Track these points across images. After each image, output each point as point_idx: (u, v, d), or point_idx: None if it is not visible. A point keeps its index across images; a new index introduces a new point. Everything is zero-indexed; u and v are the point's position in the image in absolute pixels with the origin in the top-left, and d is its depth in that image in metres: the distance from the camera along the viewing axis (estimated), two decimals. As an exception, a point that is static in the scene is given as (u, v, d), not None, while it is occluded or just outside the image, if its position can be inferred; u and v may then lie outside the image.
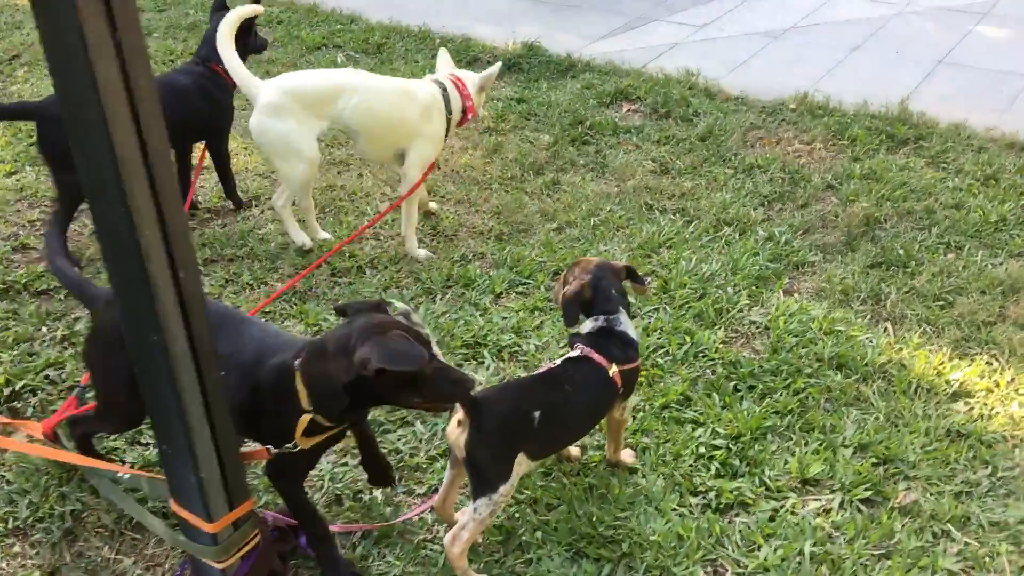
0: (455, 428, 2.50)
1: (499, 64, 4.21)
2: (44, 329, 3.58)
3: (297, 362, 2.39)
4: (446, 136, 4.10)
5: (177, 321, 2.16)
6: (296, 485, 2.58)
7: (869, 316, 3.65)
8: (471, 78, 4.18)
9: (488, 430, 2.44)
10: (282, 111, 3.84)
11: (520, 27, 6.94)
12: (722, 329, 3.56)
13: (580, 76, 6.03)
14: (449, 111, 4.05)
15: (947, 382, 3.27)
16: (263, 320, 2.74)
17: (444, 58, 4.30)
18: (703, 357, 3.40)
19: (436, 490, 2.84)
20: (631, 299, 2.89)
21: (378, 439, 3.07)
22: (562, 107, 5.51)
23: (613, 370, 2.63)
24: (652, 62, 6.29)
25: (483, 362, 3.40)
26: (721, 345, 3.47)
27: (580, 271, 2.79)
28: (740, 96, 5.68)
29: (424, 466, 2.98)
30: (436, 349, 2.41)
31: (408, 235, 4.14)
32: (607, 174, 4.81)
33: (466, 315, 3.66)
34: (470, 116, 4.14)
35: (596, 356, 2.64)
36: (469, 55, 6.44)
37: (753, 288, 3.80)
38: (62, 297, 3.79)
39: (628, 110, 5.60)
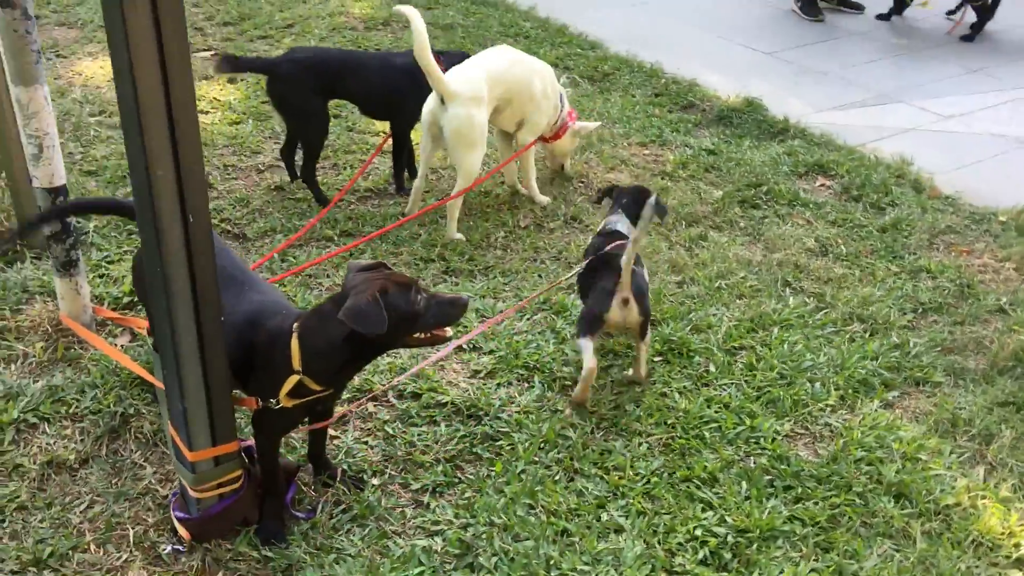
0: (620, 308, 3.22)
1: (598, 124, 5.13)
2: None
3: (295, 325, 2.56)
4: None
5: (181, 260, 2.37)
6: (270, 441, 2.74)
7: (968, 455, 3.28)
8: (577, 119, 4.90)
9: (640, 295, 3.26)
10: (481, 101, 4.15)
11: (752, 82, 6.78)
12: (791, 423, 3.34)
13: (788, 142, 5.81)
14: (559, 108, 4.70)
15: (1016, 545, 2.88)
16: (270, 285, 2.92)
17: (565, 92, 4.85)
18: (753, 443, 3.21)
19: (430, 489, 2.91)
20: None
21: (401, 430, 3.18)
22: (750, 167, 5.34)
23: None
24: (873, 143, 5.93)
25: (532, 386, 3.41)
26: (780, 438, 3.25)
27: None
28: (951, 196, 5.23)
29: (427, 465, 3.04)
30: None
31: (531, 187, 4.85)
32: (759, 241, 4.63)
33: (541, 339, 3.69)
34: (560, 133, 4.77)
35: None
36: (686, 99, 6.39)
37: (850, 391, 3.53)
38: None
39: (820, 184, 5.33)
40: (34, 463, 2.97)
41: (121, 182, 4.66)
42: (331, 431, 3.18)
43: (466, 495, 2.92)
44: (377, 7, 7.79)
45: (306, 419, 2.80)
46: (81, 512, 2.83)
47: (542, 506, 2.87)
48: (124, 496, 2.89)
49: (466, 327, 3.65)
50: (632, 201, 3.68)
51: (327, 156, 5.13)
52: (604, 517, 2.86)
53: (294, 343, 2.55)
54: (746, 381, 3.53)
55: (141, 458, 3.05)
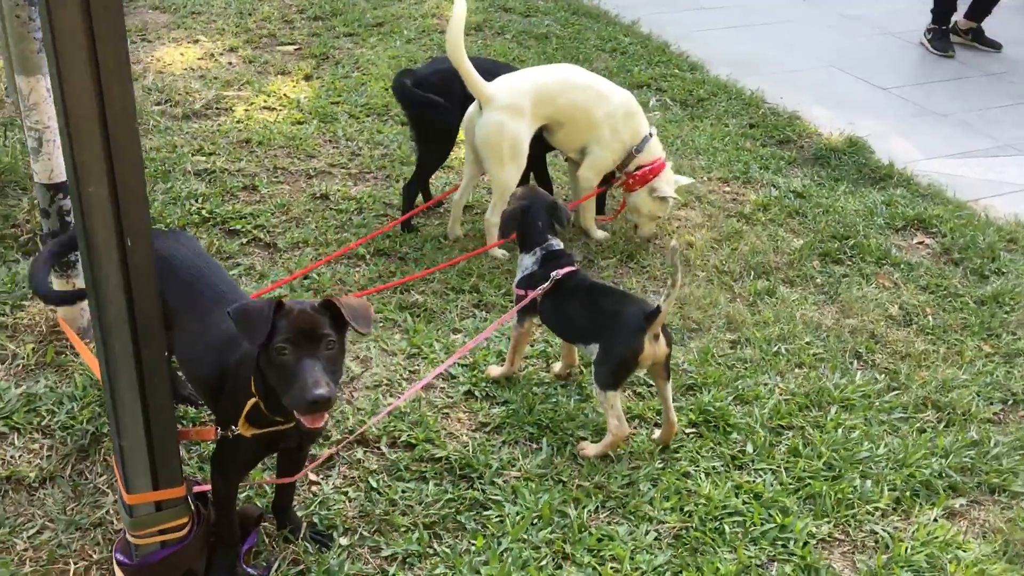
0: (652, 344, 2.92)
1: (689, 180, 4.58)
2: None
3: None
4: (617, 172, 4.34)
5: (118, 289, 2.12)
6: (227, 481, 2.49)
7: (1041, 588, 2.78)
8: (668, 173, 4.36)
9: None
10: (520, 112, 3.85)
11: (861, 120, 6.24)
12: (830, 525, 2.90)
13: (889, 190, 5.27)
14: (636, 151, 4.25)
15: None
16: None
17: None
18: (781, 546, 2.78)
19: (400, 558, 2.62)
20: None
21: (385, 484, 2.88)
22: (839, 216, 4.84)
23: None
24: (987, 199, 5.34)
25: (539, 448, 3.07)
26: (815, 543, 2.82)
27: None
28: (1069, 270, 4.63)
29: (404, 529, 2.73)
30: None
31: (588, 221, 4.50)
32: (835, 302, 4.14)
33: (562, 394, 3.34)
34: (634, 182, 4.29)
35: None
36: (783, 133, 5.90)
37: (908, 493, 3.05)
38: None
39: (918, 242, 4.79)
40: (-8, 477, 2.79)
41: (163, 177, 4.52)
42: (312, 475, 2.91)
43: (436, 571, 2.60)
44: (473, 11, 7.53)
45: (271, 469, 2.54)
46: (28, 538, 2.63)
47: None
48: (76, 525, 2.68)
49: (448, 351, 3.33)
50: (544, 214, 3.31)
51: (395, 167, 4.89)
52: (588, 618, 2.49)
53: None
54: (786, 468, 3.09)
55: (105, 483, 2.84)
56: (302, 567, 2.59)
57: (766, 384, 3.50)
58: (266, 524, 2.71)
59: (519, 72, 4.16)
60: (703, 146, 5.58)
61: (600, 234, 4.47)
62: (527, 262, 3.32)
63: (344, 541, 2.69)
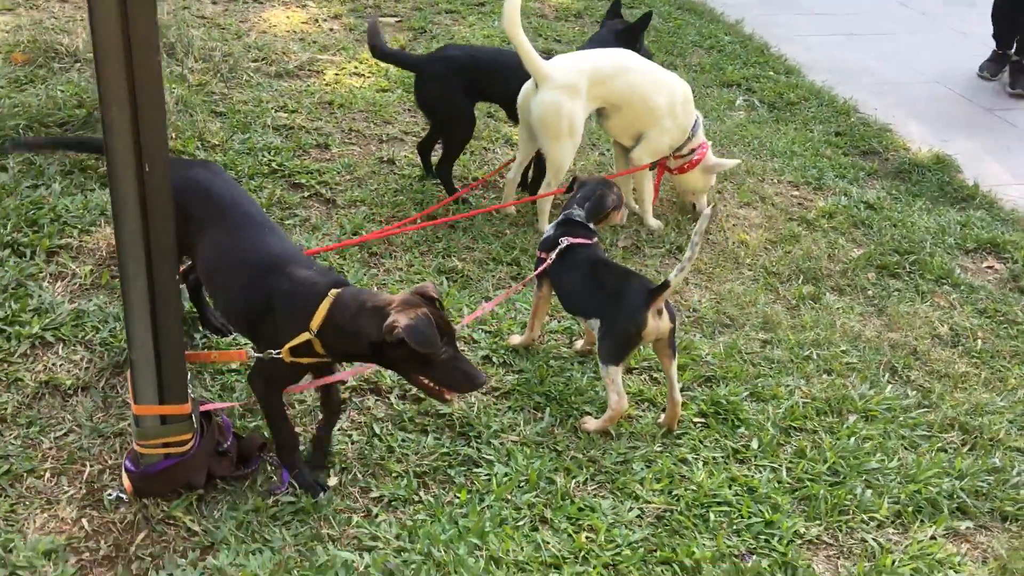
0: (655, 318, 2.94)
1: (736, 162, 4.64)
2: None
3: (335, 290, 2.56)
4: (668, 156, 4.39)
5: (134, 207, 2.30)
6: (274, 392, 2.70)
7: (1032, 621, 2.70)
8: (711, 153, 4.45)
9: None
10: (576, 92, 3.92)
11: (956, 138, 6.03)
12: (820, 527, 2.88)
13: (968, 211, 5.10)
14: (690, 135, 4.32)
15: None
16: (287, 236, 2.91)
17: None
18: (763, 541, 2.79)
19: (386, 500, 2.74)
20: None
21: (388, 432, 3.01)
22: (906, 231, 4.73)
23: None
24: (1073, 231, 5.10)
25: (542, 417, 3.14)
26: (800, 543, 2.81)
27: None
28: None
29: (395, 475, 2.85)
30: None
31: (645, 208, 4.52)
32: (881, 316, 4.06)
33: (578, 369, 3.40)
34: (688, 166, 4.37)
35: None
36: (869, 144, 5.77)
37: (910, 509, 2.98)
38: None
39: (987, 266, 4.63)
40: (34, 380, 3.02)
41: (243, 128, 4.75)
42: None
43: (418, 516, 2.71)
44: (576, -2, 7.59)
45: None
46: (55, 439, 2.85)
47: (488, 550, 2.60)
48: (99, 432, 2.89)
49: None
50: (589, 193, 3.42)
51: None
52: (551, 580, 2.56)
53: (324, 305, 2.54)
54: (788, 468, 3.08)
55: (134, 398, 3.04)
56: (292, 497, 2.73)
57: (787, 385, 3.48)
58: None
59: (576, 52, 4.22)
60: (781, 149, 5.51)
61: (655, 223, 4.49)
62: (549, 226, 3.41)
63: (334, 481, 2.81)
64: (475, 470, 2.90)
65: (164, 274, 2.39)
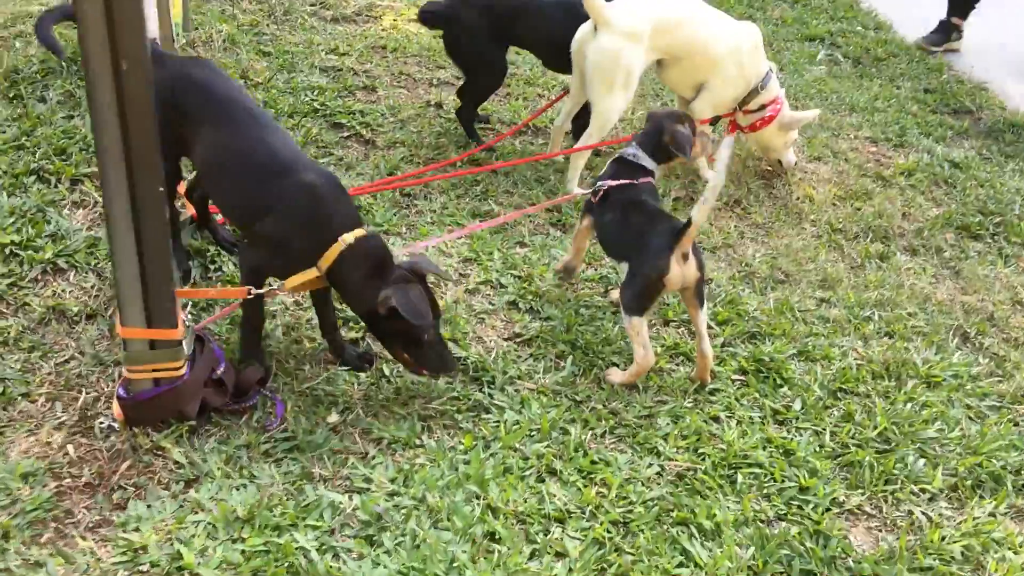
0: (680, 265, 2.69)
1: (815, 112, 4.12)
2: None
3: (351, 236, 2.53)
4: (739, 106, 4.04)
5: (112, 113, 2.16)
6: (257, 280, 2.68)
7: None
8: (787, 108, 4.05)
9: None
10: (639, 39, 3.64)
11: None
12: (863, 497, 2.59)
13: (1069, 173, 4.66)
14: (759, 87, 3.95)
15: None
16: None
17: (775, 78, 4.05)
18: (796, 507, 2.52)
19: (385, 442, 2.57)
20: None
21: (398, 372, 2.84)
22: (993, 191, 4.33)
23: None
24: None
25: (563, 365, 2.92)
26: (837, 512, 2.53)
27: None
28: None
29: (399, 417, 2.67)
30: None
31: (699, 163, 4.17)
32: (956, 279, 3.70)
33: (609, 319, 3.16)
34: (760, 123, 3.97)
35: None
36: (961, 103, 5.35)
37: (968, 483, 2.68)
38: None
39: (1085, 231, 4.20)
40: (41, 305, 2.94)
41: (291, 69, 4.61)
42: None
43: (417, 461, 2.52)
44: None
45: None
46: (55, 364, 2.76)
47: (487, 499, 2.40)
48: (99, 360, 2.78)
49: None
50: (652, 130, 3.11)
51: (518, 86, 4.80)
52: (554, 534, 2.34)
53: (334, 249, 2.51)
54: (832, 433, 2.80)
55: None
56: (288, 433, 2.58)
57: (841, 346, 3.18)
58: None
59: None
60: (862, 105, 5.13)
61: (711, 175, 4.16)
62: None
63: (335, 418, 2.65)
64: (484, 416, 2.70)
65: (148, 185, 2.24)
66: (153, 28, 3.26)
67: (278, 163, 2.61)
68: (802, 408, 2.87)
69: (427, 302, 2.50)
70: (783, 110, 4.03)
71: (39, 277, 3.05)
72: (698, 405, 2.84)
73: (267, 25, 5.05)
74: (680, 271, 2.70)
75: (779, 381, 2.97)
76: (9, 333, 2.81)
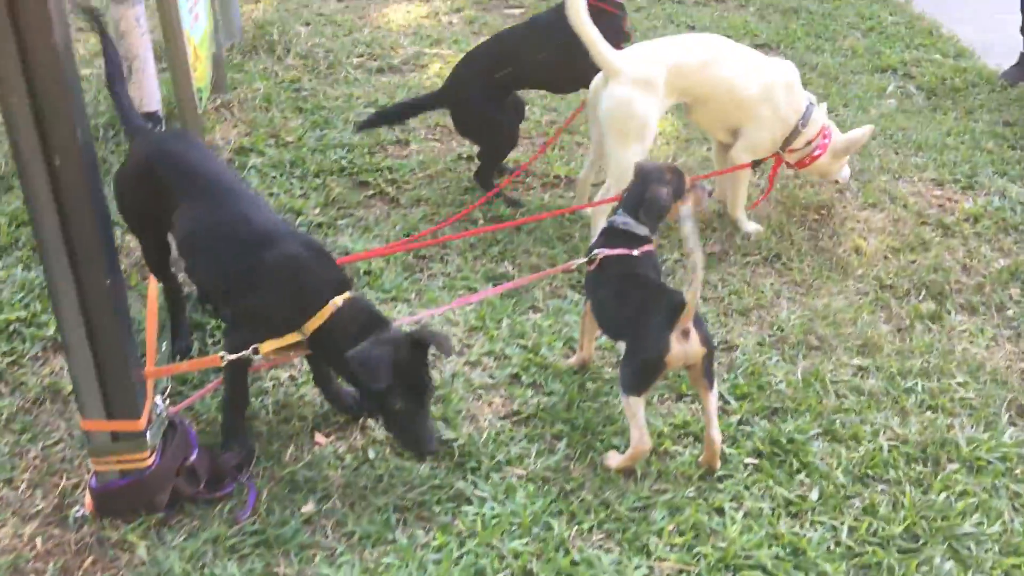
0: (680, 343, 2.50)
1: (868, 128, 3.73)
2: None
3: (341, 298, 2.48)
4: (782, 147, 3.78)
5: (49, 206, 2.12)
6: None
7: None
8: (837, 133, 3.76)
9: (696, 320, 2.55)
10: (652, 87, 3.47)
11: None
12: None
13: None
14: (801, 124, 3.70)
15: None
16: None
17: (822, 109, 3.76)
18: None
19: (356, 537, 2.44)
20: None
21: (381, 457, 2.73)
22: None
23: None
24: None
25: (556, 451, 2.73)
26: None
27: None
28: None
29: (375, 509, 2.54)
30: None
31: (737, 213, 3.95)
32: (1017, 342, 3.35)
33: (614, 395, 2.96)
34: (809, 161, 3.76)
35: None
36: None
37: (1007, 590, 2.38)
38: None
39: None
40: (38, 384, 2.94)
41: (324, 125, 4.57)
42: (321, 437, 2.80)
43: (384, 560, 2.38)
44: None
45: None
46: (42, 447, 2.74)
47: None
48: (84, 443, 2.74)
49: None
50: (637, 194, 2.86)
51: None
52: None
53: (326, 310, 2.45)
54: (851, 528, 2.53)
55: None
56: (258, 525, 2.48)
57: (874, 424, 2.89)
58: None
59: (653, 41, 3.71)
60: (931, 142, 4.77)
61: (751, 227, 3.93)
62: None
63: (310, 507, 2.54)
64: (464, 508, 2.54)
65: (94, 277, 2.19)
66: (152, 101, 3.25)
67: (257, 235, 2.56)
68: (819, 498, 2.61)
69: (389, 365, 2.33)
70: (833, 137, 3.77)
71: (39, 354, 3.06)
72: (701, 494, 2.61)
73: (308, 80, 5.05)
74: (681, 349, 2.49)
75: (797, 467, 2.71)
76: (2, 415, 2.81)
